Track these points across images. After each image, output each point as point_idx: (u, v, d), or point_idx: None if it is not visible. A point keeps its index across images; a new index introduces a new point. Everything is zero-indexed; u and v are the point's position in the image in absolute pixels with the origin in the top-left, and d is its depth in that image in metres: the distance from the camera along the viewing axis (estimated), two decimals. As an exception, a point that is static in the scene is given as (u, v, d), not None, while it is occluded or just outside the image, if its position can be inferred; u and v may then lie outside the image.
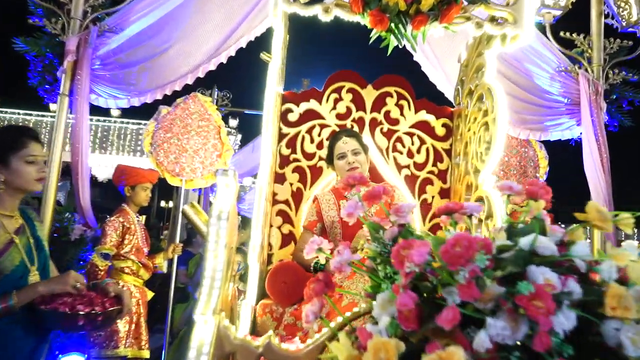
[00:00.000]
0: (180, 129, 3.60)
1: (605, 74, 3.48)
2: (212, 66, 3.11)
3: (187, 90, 3.85)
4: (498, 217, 2.08)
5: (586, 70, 3.48)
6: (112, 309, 1.70)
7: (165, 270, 3.62)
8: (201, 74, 3.11)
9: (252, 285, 2.05)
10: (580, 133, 3.45)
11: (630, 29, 3.59)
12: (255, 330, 1.96)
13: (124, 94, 3.32)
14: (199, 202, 7.53)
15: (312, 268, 2.12)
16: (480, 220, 2.13)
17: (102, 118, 13.58)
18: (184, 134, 3.60)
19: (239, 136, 12.12)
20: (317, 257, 2.21)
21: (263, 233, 2.17)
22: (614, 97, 3.52)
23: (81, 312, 1.61)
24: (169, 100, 3.59)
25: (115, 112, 12.46)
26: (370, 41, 1.98)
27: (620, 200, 3.37)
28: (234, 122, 11.73)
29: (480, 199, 2.28)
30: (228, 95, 9.58)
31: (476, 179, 2.32)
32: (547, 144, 3.92)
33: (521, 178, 3.78)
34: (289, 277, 1.99)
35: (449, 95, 3.49)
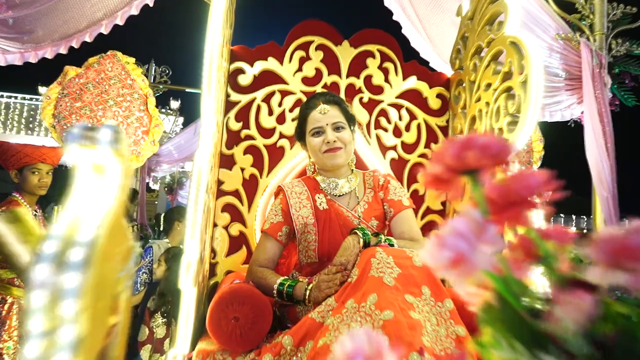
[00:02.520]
0: (94, 97, 2.75)
1: (608, 45, 3.01)
2: (135, 10, 2.31)
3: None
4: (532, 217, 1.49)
5: (588, 39, 2.99)
6: None
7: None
8: (120, 21, 2.31)
9: (185, 322, 1.37)
10: (582, 112, 2.97)
11: (634, -6, 3.14)
12: (189, 397, 1.28)
13: (15, 47, 2.47)
14: (135, 195, 6.20)
15: (275, 292, 1.46)
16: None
17: (28, 96, 13.45)
18: (99, 103, 2.76)
19: (181, 119, 11.23)
20: (283, 276, 1.54)
21: (203, 242, 1.48)
22: (616, 71, 3.06)
23: None
24: (79, 61, 2.76)
25: (43, 90, 11.74)
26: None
27: (625, 188, 2.94)
28: (175, 103, 10.82)
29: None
30: (167, 71, 8.63)
31: (492, 165, 1.74)
32: (542, 125, 3.42)
33: (512, 164, 3.25)
34: (244, 309, 1.31)
35: (434, 64, 2.91)
